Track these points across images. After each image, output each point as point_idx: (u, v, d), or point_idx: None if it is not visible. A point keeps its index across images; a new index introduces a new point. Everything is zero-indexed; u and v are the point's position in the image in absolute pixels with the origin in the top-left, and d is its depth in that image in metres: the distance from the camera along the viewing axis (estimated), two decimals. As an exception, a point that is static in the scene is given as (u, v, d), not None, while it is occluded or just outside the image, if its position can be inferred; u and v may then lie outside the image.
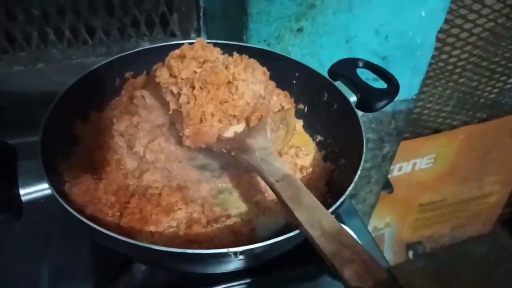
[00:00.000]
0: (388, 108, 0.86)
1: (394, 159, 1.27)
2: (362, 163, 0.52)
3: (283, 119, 0.63)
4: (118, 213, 0.49)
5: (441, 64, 1.34)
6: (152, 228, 0.48)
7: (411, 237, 1.79)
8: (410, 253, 1.81)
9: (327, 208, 0.45)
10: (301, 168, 0.61)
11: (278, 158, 0.51)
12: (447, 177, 1.61)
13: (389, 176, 1.38)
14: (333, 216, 0.44)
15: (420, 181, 1.58)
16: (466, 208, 1.79)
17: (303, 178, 0.60)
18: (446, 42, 1.28)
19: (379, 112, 1.00)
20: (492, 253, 1.86)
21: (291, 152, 0.63)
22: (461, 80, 1.41)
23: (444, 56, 1.32)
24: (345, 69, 0.67)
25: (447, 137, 1.51)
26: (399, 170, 1.51)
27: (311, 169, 0.61)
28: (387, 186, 1.43)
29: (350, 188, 0.49)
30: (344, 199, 0.48)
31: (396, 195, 1.51)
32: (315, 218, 0.41)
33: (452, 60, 1.34)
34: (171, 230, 0.49)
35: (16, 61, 0.89)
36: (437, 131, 1.51)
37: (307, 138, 0.69)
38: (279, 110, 0.65)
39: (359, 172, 0.51)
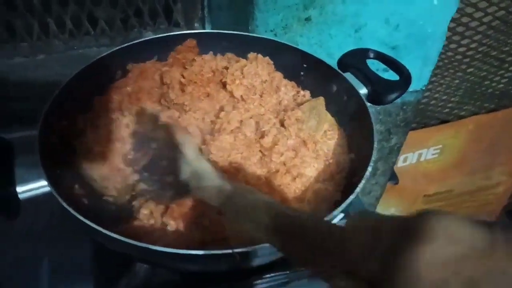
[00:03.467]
0: (397, 99, 0.84)
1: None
2: (373, 158, 0.50)
3: (312, 109, 0.61)
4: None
5: (449, 53, 1.31)
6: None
7: (418, 228, 1.77)
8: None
9: (336, 206, 0.44)
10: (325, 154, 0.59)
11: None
12: (454, 167, 1.59)
13: (394, 167, 1.36)
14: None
15: (426, 172, 1.56)
16: (472, 199, 1.77)
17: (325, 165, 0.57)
18: (456, 31, 1.25)
19: (388, 103, 0.98)
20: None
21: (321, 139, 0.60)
22: (470, 70, 1.38)
23: (453, 46, 1.29)
24: (355, 60, 0.65)
25: (455, 127, 1.48)
26: (404, 161, 1.49)
27: (332, 159, 0.58)
28: (393, 177, 1.41)
29: (361, 185, 0.47)
30: (354, 197, 0.46)
31: (402, 186, 1.49)
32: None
33: (461, 49, 1.31)
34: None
35: (17, 52, 0.87)
36: (444, 121, 1.49)
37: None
38: (307, 101, 0.63)
39: (370, 169, 0.49)
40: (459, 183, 1.67)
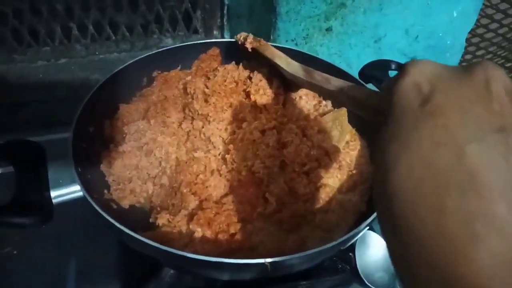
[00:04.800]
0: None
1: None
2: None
3: (335, 120, 0.62)
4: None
5: (468, 56, 1.31)
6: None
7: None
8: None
9: (353, 220, 0.45)
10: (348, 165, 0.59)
11: None
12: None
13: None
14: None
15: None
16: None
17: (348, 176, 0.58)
18: (471, 42, 1.25)
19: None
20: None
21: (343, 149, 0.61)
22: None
23: (468, 57, 1.29)
24: (376, 71, 0.66)
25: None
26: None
27: (355, 170, 0.58)
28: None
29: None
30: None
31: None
32: None
33: (476, 60, 1.31)
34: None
35: (39, 56, 0.88)
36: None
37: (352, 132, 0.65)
38: (329, 111, 0.64)
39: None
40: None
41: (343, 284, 0.58)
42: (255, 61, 0.69)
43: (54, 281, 0.56)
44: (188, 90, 0.63)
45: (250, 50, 0.64)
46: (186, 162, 0.56)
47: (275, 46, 0.69)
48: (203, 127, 0.60)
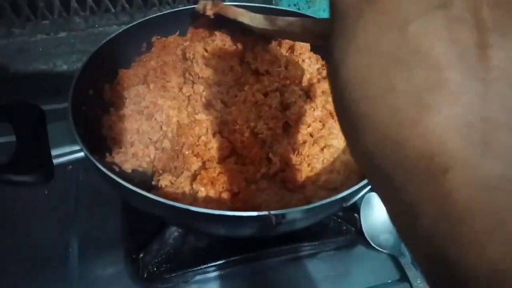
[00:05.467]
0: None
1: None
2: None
3: None
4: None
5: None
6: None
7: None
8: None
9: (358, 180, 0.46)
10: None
11: None
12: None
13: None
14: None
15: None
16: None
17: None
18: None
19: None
20: None
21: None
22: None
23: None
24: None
25: None
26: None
27: None
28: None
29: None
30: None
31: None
32: None
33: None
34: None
35: (38, 30, 0.87)
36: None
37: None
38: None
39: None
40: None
41: (348, 245, 0.58)
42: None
43: (57, 247, 0.56)
44: (188, 55, 0.62)
45: (212, 16, 0.62)
46: (187, 125, 0.55)
47: (275, 9, 0.68)
48: (203, 90, 0.59)
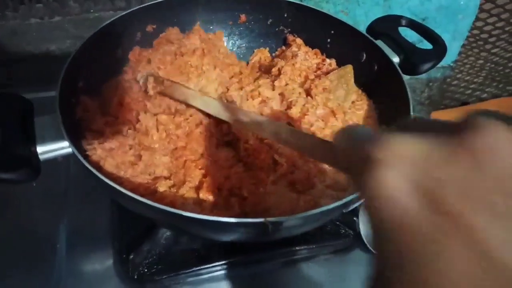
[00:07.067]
0: (423, 74, 0.80)
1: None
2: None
3: (340, 78, 0.58)
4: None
5: (475, 31, 1.25)
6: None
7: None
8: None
9: None
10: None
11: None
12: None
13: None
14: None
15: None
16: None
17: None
18: (482, 8, 1.19)
19: (413, 78, 0.94)
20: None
21: (349, 109, 0.58)
22: (495, 51, 1.32)
23: (479, 24, 1.23)
24: (386, 27, 0.61)
25: (475, 109, 1.44)
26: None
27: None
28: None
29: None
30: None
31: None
32: None
33: (487, 28, 1.25)
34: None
35: (32, 13, 0.84)
36: (464, 103, 1.44)
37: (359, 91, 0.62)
38: (333, 70, 0.60)
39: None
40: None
41: (345, 249, 0.56)
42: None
43: (45, 241, 0.54)
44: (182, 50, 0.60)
45: (154, 97, 0.55)
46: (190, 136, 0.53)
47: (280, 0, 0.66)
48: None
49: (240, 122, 0.46)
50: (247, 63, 0.68)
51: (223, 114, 0.49)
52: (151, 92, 0.54)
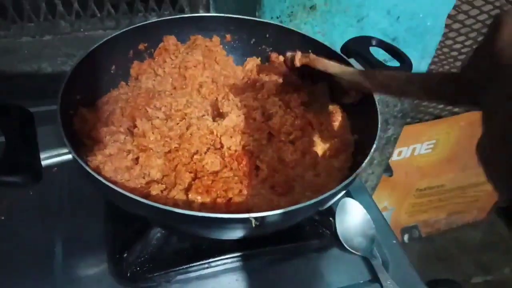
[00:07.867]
0: (395, 90, 0.86)
1: (394, 144, 1.28)
2: (375, 145, 0.53)
3: (317, 92, 0.64)
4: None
5: (445, 50, 1.34)
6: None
7: (407, 221, 1.81)
8: (406, 237, 1.84)
9: (337, 184, 0.47)
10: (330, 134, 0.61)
11: None
12: (446, 163, 1.62)
13: (389, 160, 1.39)
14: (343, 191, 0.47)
15: (419, 166, 1.59)
16: (463, 195, 1.80)
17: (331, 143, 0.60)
18: (452, 28, 1.28)
19: (386, 94, 1.01)
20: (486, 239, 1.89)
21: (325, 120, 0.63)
22: (463, 67, 1.40)
23: (449, 42, 1.32)
24: (358, 46, 0.67)
25: (448, 123, 1.51)
26: (398, 154, 1.52)
27: (337, 138, 0.61)
28: (388, 169, 1.44)
29: (363, 165, 0.49)
30: (355, 177, 0.48)
31: (395, 179, 1.52)
32: None
33: (457, 46, 1.34)
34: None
35: (24, 32, 0.88)
36: (438, 117, 1.51)
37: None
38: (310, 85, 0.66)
39: (371, 153, 0.51)
40: (450, 178, 1.70)
41: (324, 248, 0.61)
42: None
43: (42, 247, 0.57)
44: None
45: (299, 66, 0.64)
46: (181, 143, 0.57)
47: (259, 21, 0.71)
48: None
49: (377, 85, 0.54)
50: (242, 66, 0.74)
51: (360, 79, 0.55)
52: (298, 63, 0.63)
